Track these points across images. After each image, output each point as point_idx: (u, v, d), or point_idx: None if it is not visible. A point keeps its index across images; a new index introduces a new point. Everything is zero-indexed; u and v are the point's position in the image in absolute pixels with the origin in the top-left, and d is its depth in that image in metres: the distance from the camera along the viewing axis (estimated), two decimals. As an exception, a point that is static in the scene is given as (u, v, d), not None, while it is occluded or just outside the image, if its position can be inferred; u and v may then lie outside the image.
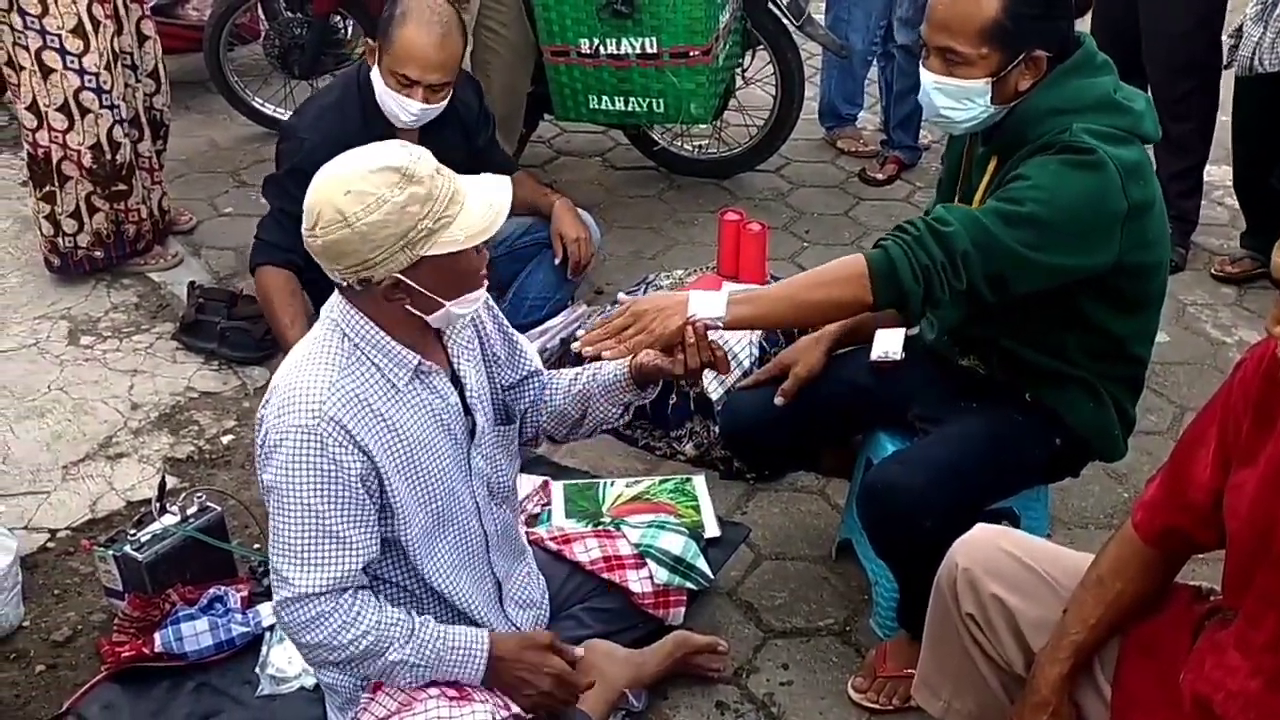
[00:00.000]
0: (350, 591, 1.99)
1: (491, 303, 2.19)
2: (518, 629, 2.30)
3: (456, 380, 2.11)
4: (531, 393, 2.31)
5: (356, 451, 1.93)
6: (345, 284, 1.93)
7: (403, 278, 1.89)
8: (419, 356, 2.02)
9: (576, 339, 2.23)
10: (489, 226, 1.91)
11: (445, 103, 3.16)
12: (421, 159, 1.88)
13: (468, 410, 2.12)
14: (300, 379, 1.94)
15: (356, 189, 1.82)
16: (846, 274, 2.18)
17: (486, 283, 2.04)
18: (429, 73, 3.05)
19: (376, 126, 3.12)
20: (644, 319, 2.17)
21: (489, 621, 2.22)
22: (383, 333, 1.97)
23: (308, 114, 3.35)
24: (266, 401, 1.98)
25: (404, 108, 3.10)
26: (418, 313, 1.96)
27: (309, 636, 1.98)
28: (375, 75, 3.12)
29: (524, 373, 2.30)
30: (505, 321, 2.28)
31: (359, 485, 1.95)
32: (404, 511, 2.02)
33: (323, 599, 1.96)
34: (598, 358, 2.19)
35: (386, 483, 1.98)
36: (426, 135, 3.12)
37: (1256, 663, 1.63)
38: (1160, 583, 1.86)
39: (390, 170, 1.84)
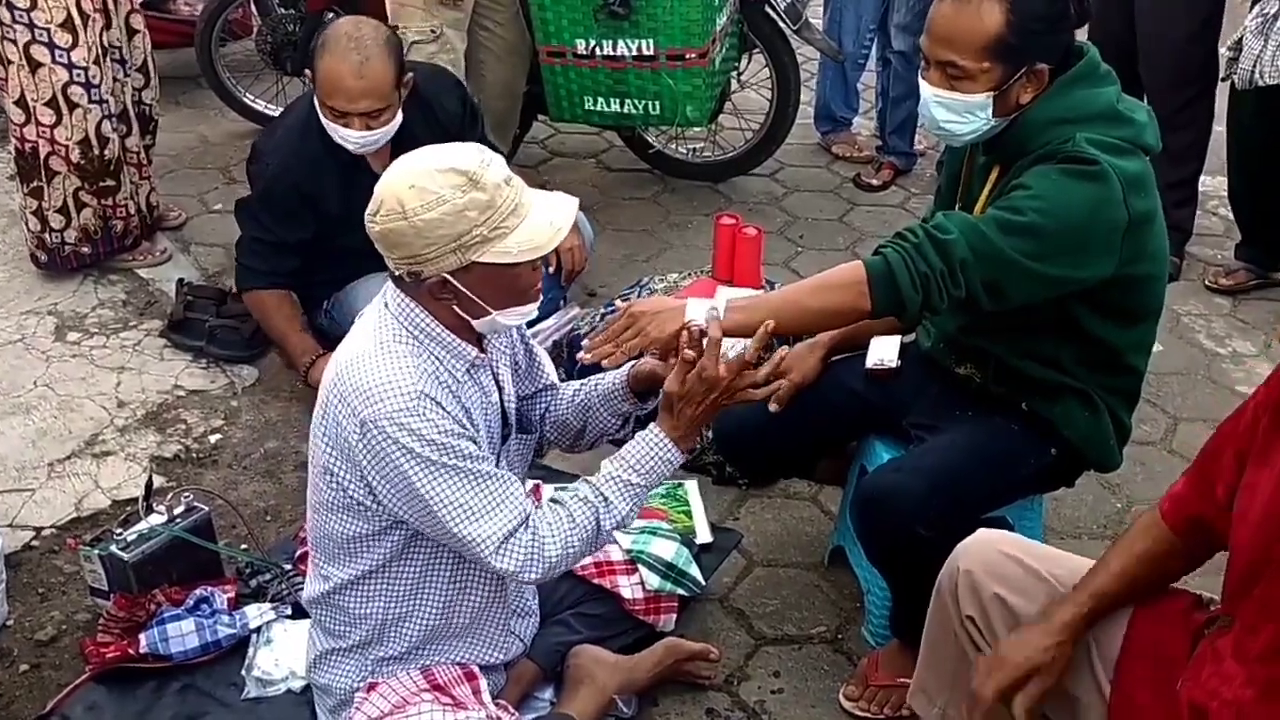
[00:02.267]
0: (533, 515, 1.98)
1: None
2: (519, 638, 2.30)
3: (496, 382, 2.12)
4: (542, 406, 2.31)
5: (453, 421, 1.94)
6: (398, 273, 1.94)
7: (451, 279, 1.90)
8: (475, 350, 2.02)
9: (579, 345, 2.22)
10: (544, 245, 1.91)
11: (392, 126, 3.05)
12: (492, 166, 1.88)
13: (504, 413, 2.12)
14: (380, 371, 1.92)
15: (420, 184, 1.85)
16: (845, 281, 2.16)
17: (540, 299, 2.03)
18: (354, 102, 2.97)
19: (340, 146, 3.09)
20: (640, 321, 2.16)
21: (492, 635, 2.22)
22: (440, 325, 1.98)
23: (274, 135, 3.31)
24: (339, 399, 1.93)
25: (344, 138, 3.04)
26: (464, 315, 1.96)
27: (532, 573, 1.97)
28: (316, 104, 3.07)
29: (540, 385, 2.30)
30: (527, 333, 2.28)
31: (473, 436, 1.95)
32: None
33: (515, 535, 1.94)
34: (599, 367, 2.18)
35: None
36: (401, 146, 3.00)
37: (1251, 672, 1.63)
38: (1178, 569, 1.87)
39: (456, 172, 1.85)
